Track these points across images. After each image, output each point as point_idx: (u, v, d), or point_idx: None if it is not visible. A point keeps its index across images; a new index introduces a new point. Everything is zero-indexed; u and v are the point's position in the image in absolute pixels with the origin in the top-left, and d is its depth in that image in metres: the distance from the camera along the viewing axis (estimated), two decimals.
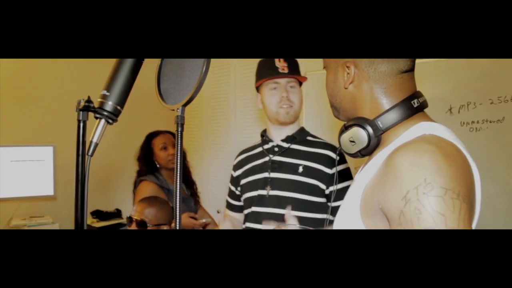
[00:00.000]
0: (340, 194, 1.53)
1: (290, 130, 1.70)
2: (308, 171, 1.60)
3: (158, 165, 2.41)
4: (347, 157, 1.65)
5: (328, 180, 1.58)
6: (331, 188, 1.57)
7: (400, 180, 0.71)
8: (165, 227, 1.80)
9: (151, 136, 2.48)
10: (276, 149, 1.70)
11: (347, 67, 0.92)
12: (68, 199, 3.03)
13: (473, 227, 0.76)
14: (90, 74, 3.17)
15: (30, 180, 2.69)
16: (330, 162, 1.60)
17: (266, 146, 1.74)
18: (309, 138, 1.72)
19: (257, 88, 1.77)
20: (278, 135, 1.71)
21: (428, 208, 0.67)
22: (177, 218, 0.73)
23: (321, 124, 2.75)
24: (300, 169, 1.61)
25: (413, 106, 0.87)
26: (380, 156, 0.85)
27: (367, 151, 0.91)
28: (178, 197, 0.72)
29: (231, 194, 1.89)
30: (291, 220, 1.37)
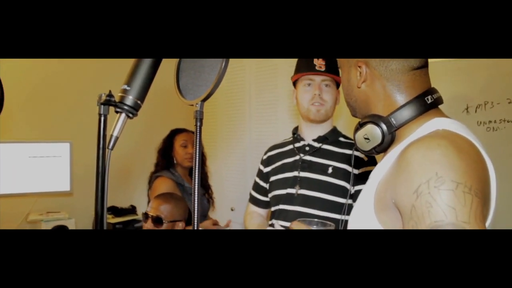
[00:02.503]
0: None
1: (322, 129, 1.70)
2: (337, 172, 1.60)
3: (175, 161, 2.43)
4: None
5: (355, 180, 1.57)
6: (356, 188, 1.57)
7: (412, 174, 0.72)
8: (180, 224, 1.82)
9: (175, 132, 2.52)
10: (307, 148, 1.70)
11: (359, 66, 0.93)
12: (84, 195, 3.09)
13: (488, 223, 0.75)
14: (107, 72, 3.20)
15: (47, 176, 2.73)
16: (357, 163, 1.59)
17: (297, 145, 1.74)
18: (341, 139, 1.72)
19: (294, 84, 1.76)
20: (309, 134, 1.72)
21: (439, 201, 0.67)
22: (195, 215, 0.74)
23: (334, 122, 2.74)
24: (330, 170, 1.61)
25: (426, 102, 0.87)
26: (394, 153, 0.86)
27: (382, 148, 0.91)
28: (196, 192, 0.72)
29: (259, 189, 1.88)
30: None
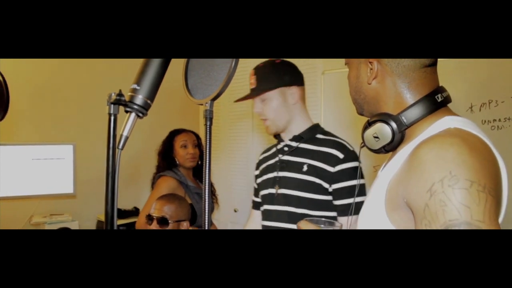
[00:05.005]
0: (343, 192, 1.55)
1: (298, 129, 1.70)
2: (312, 170, 1.60)
3: (177, 162, 2.44)
4: (366, 156, 1.65)
5: (330, 178, 1.56)
6: (334, 186, 1.56)
7: (425, 173, 0.71)
8: (184, 223, 1.82)
9: (174, 133, 2.52)
10: (285, 148, 1.72)
11: (370, 62, 0.92)
12: (87, 197, 3.10)
13: (500, 221, 0.75)
14: (110, 73, 3.21)
15: (51, 178, 2.73)
16: (334, 161, 1.57)
17: (278, 146, 1.77)
18: (319, 135, 1.69)
19: None
20: (287, 135, 1.73)
21: (453, 200, 0.66)
22: (206, 213, 0.73)
23: (338, 122, 2.74)
24: (305, 168, 1.61)
25: (437, 100, 0.87)
26: (404, 151, 0.85)
27: (391, 147, 0.90)
28: (207, 191, 0.72)
29: (256, 191, 1.91)
30: None
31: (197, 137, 2.55)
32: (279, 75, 1.66)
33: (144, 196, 2.62)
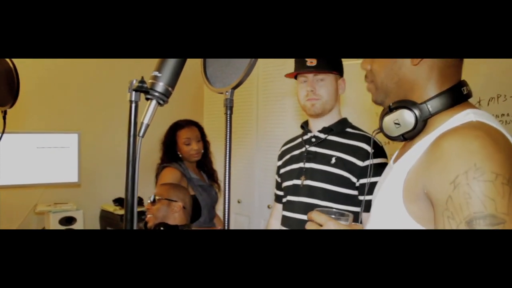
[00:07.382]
0: (370, 188, 1.49)
1: (328, 121, 1.71)
2: (341, 163, 1.60)
3: (180, 156, 2.44)
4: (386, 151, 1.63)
5: (359, 172, 1.57)
6: (362, 181, 1.57)
7: (449, 165, 0.71)
8: (177, 204, 1.93)
9: (177, 127, 2.49)
10: (313, 139, 1.71)
11: None
12: (91, 186, 3.09)
13: None
14: (116, 63, 3.19)
15: (55, 167, 2.72)
16: (363, 155, 1.58)
17: (305, 137, 1.76)
18: (348, 129, 1.71)
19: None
20: (316, 126, 1.72)
21: (478, 192, 0.66)
22: (226, 216, 0.73)
23: (347, 112, 2.72)
24: (333, 160, 1.61)
25: (463, 93, 0.87)
26: (424, 142, 0.85)
27: (411, 135, 0.89)
28: (228, 191, 0.72)
29: (277, 185, 1.90)
30: None
31: (200, 129, 2.54)
32: (337, 62, 1.70)
33: (148, 186, 2.62)
